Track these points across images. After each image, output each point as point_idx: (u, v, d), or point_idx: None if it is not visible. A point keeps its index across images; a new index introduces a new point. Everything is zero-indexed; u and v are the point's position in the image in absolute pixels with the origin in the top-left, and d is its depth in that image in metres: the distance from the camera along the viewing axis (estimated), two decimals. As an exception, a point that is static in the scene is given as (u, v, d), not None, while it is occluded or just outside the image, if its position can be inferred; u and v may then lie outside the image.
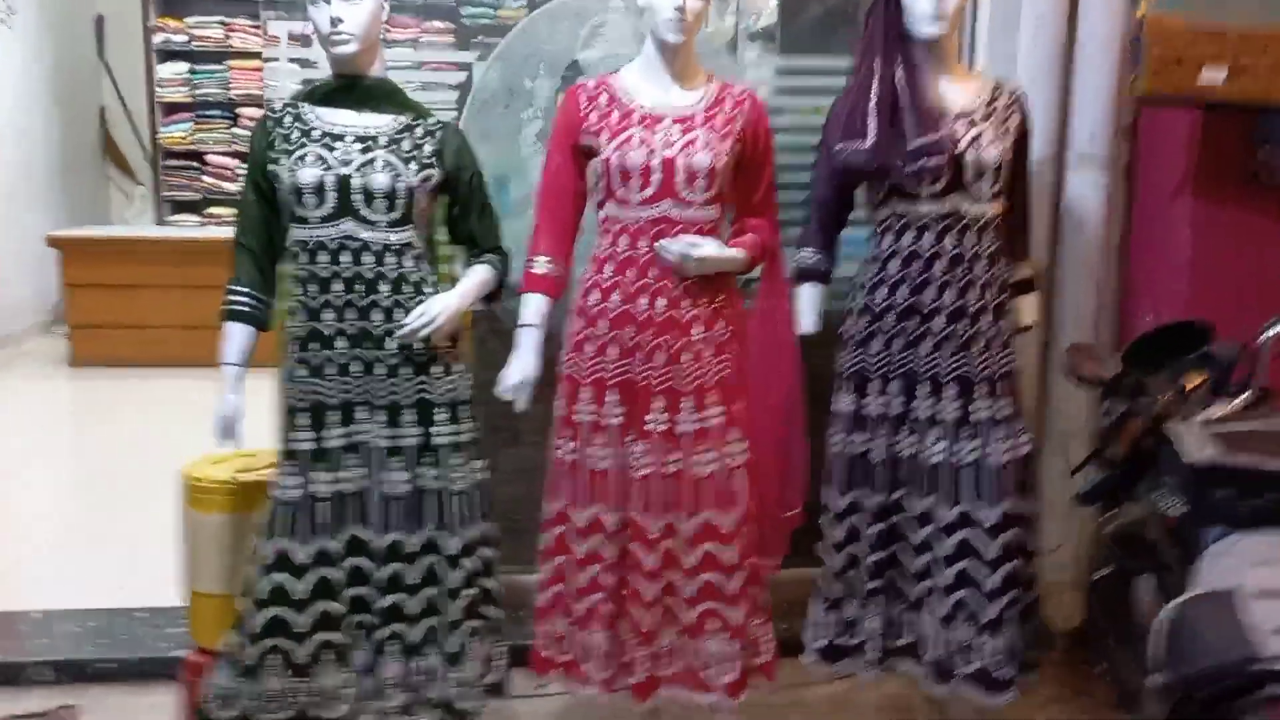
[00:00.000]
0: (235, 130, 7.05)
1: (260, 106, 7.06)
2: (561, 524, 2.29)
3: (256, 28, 7.02)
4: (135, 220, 7.80)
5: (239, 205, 2.25)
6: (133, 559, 3.37)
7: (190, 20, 6.93)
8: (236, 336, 2.19)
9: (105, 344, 6.04)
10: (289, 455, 2.15)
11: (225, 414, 2.17)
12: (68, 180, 7.39)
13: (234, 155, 7.09)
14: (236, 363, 2.18)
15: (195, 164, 7.12)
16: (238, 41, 6.93)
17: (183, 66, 6.98)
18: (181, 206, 7.20)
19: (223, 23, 6.94)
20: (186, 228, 6.97)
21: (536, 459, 2.38)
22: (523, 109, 3.05)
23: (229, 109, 7.06)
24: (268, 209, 2.19)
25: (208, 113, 7.05)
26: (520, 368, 2.26)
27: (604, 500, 2.24)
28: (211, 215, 7.16)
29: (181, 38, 6.93)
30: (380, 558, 2.15)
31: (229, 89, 7.00)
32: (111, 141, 8.01)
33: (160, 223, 7.11)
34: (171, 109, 7.05)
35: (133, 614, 2.95)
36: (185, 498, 2.41)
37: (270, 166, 2.15)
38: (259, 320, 2.20)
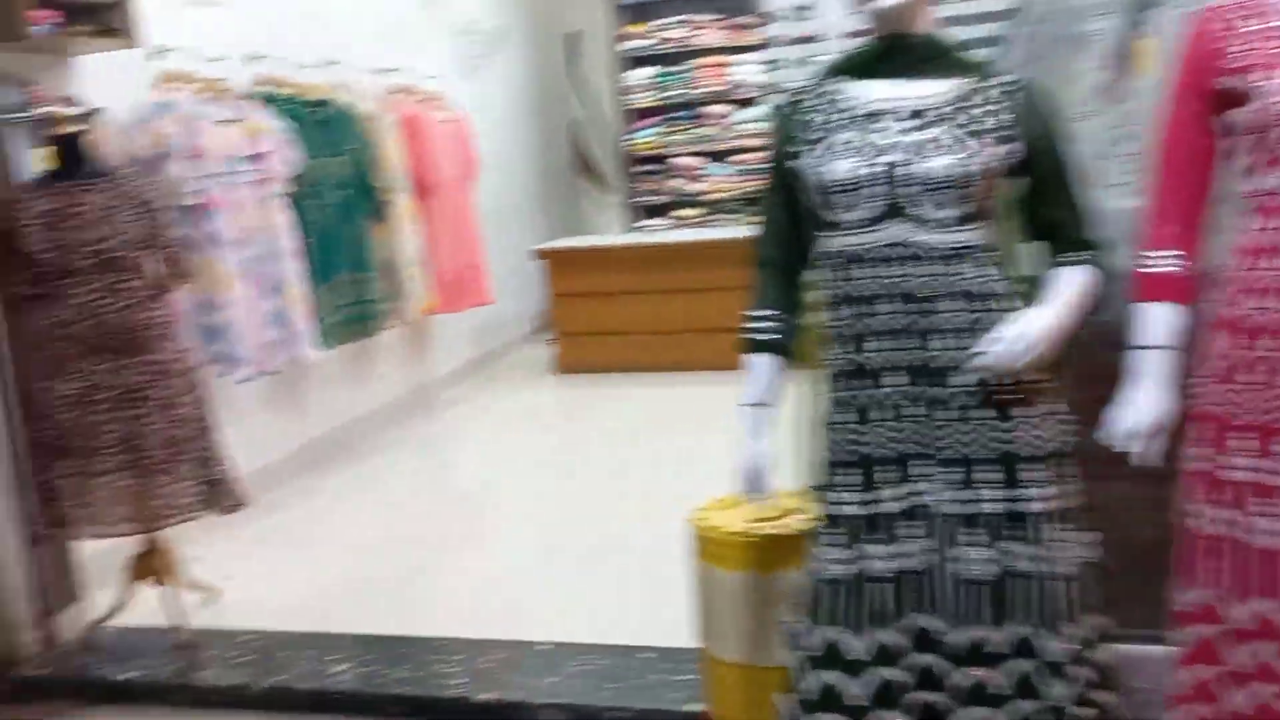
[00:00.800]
0: (700, 130, 6.98)
1: (725, 103, 6.93)
2: (1206, 623, 1.65)
3: (716, 22, 6.90)
4: (607, 229, 8.07)
5: (758, 211, 1.88)
6: (630, 585, 3.20)
7: (653, 24, 6.97)
8: (760, 371, 1.82)
9: (586, 351, 6.21)
10: (830, 521, 1.73)
11: (752, 465, 1.81)
12: (546, 194, 7.80)
13: (698, 155, 7.04)
14: (760, 402, 1.81)
15: (661, 167, 7.15)
16: (700, 39, 6.85)
17: (650, 71, 7.03)
18: (650, 211, 7.28)
19: (684, 21, 6.90)
20: (656, 232, 7.01)
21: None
22: (1077, 57, 2.42)
23: (692, 109, 7.01)
24: (792, 213, 1.79)
25: (675, 115, 7.05)
26: (1142, 407, 1.66)
27: (1276, 592, 1.58)
28: (679, 218, 7.16)
29: (648, 42, 6.98)
30: (957, 658, 1.66)
31: (693, 88, 6.94)
32: (582, 154, 8.36)
33: (629, 229, 7.23)
34: (638, 115, 7.14)
35: (637, 653, 2.72)
36: (696, 548, 2.08)
37: (790, 162, 1.75)
38: (785, 349, 1.81)
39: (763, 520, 1.98)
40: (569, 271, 6.27)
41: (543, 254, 6.35)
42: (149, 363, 2.88)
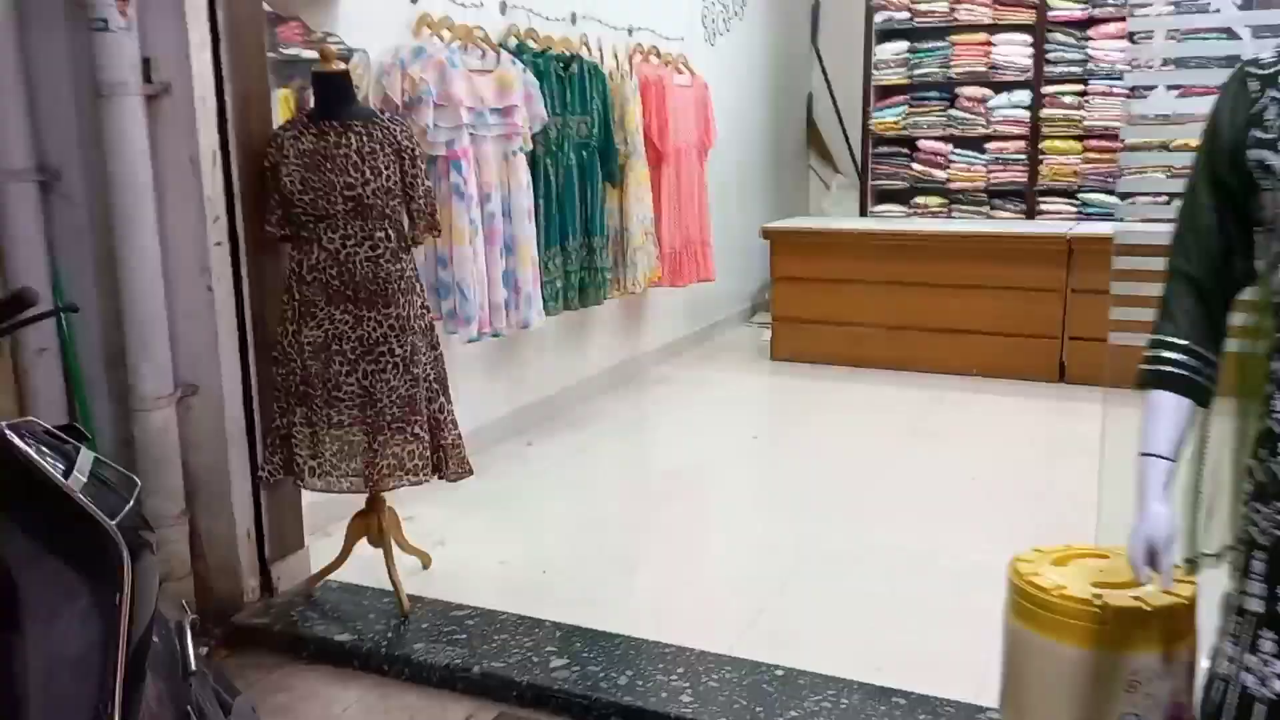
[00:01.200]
0: (952, 113, 6.49)
1: (982, 85, 6.41)
2: None
3: (984, -2, 6.37)
4: (832, 210, 7.68)
5: (1181, 212, 1.50)
6: (871, 612, 2.90)
7: (916, -4, 6.52)
8: (1166, 414, 1.46)
9: (805, 339, 5.90)
10: (1239, 614, 1.37)
11: (1152, 535, 1.46)
12: (778, 170, 7.48)
13: (946, 139, 6.56)
14: (1166, 455, 1.46)
15: (905, 150, 6.71)
16: (964, 14, 6.35)
17: (902, 45, 6.59)
18: (885, 196, 6.86)
19: (947, -5, 6.42)
20: (891, 219, 6.59)
21: None
22: None
23: (946, 89, 6.52)
24: (1226, 218, 1.42)
25: (924, 95, 6.58)
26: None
27: None
28: (918, 206, 6.71)
29: (903, 15, 6.53)
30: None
31: (949, 67, 6.46)
32: (815, 129, 7.99)
33: (865, 213, 6.83)
34: (885, 92, 6.71)
35: (891, 696, 2.43)
36: (1014, 606, 1.75)
37: (1256, 152, 1.37)
38: (1200, 391, 1.45)
39: (1113, 586, 1.63)
40: (795, 254, 5.95)
41: (768, 233, 6.05)
42: (391, 316, 2.77)
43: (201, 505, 2.90)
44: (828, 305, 5.84)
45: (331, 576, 3.05)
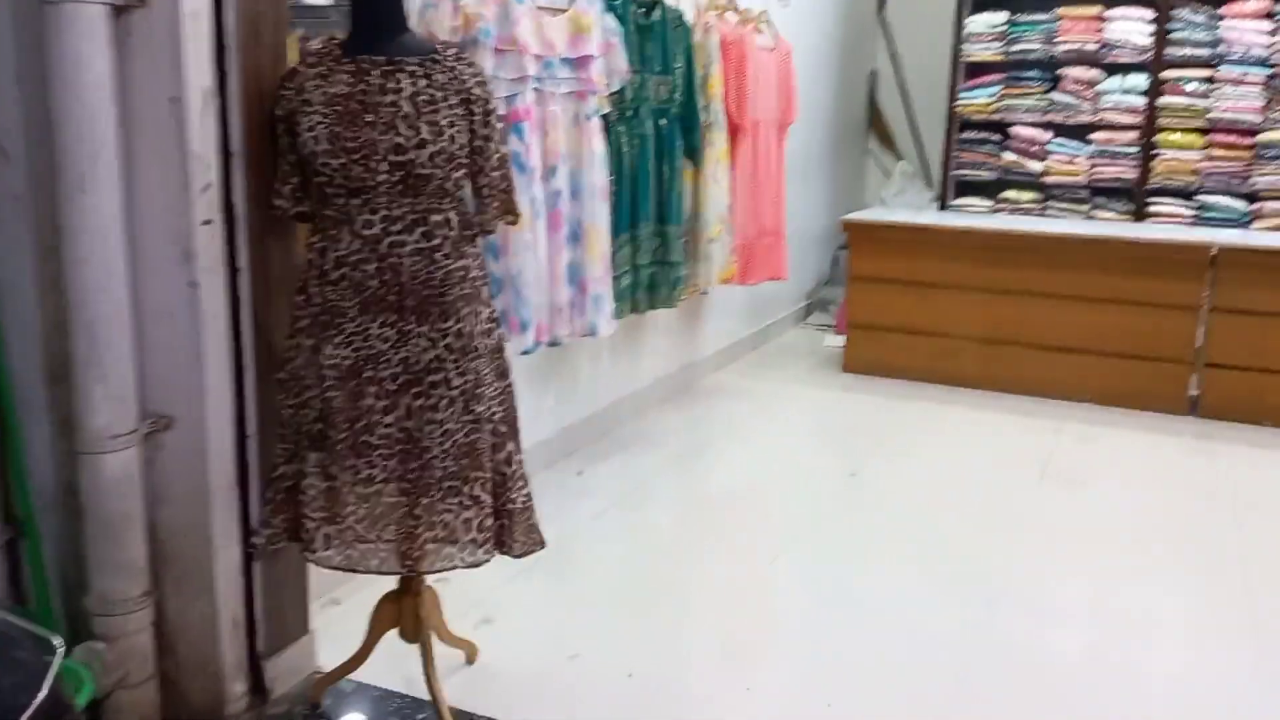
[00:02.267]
0: (1054, 96, 5.71)
1: (1091, 66, 5.63)
2: None
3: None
4: (895, 201, 6.90)
5: None
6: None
7: (1012, -38, 5.72)
8: None
9: (885, 350, 5.13)
10: None
11: None
12: (836, 154, 6.69)
13: (1045, 126, 5.78)
14: None
15: (995, 137, 5.93)
16: (1078, -17, 5.56)
17: (999, 17, 5.79)
18: (966, 188, 6.08)
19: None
20: (973, 215, 5.81)
21: None
22: None
23: (1049, 69, 5.73)
24: None
25: (1022, 74, 5.79)
26: None
27: None
28: (1006, 201, 5.93)
29: (1004, -18, 5.74)
30: None
31: (1053, 43, 5.66)
32: (878, 110, 7.20)
33: (944, 207, 6.05)
34: (975, 70, 5.92)
35: None
36: None
37: None
38: None
39: None
40: (876, 251, 5.16)
41: (847, 226, 5.27)
42: (449, 333, 1.98)
43: (172, 582, 2.12)
44: (913, 312, 5.07)
45: (353, 676, 2.27)
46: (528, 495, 2.16)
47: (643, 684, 2.40)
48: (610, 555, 3.09)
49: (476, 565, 2.08)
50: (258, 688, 2.22)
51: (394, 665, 2.29)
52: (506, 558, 2.16)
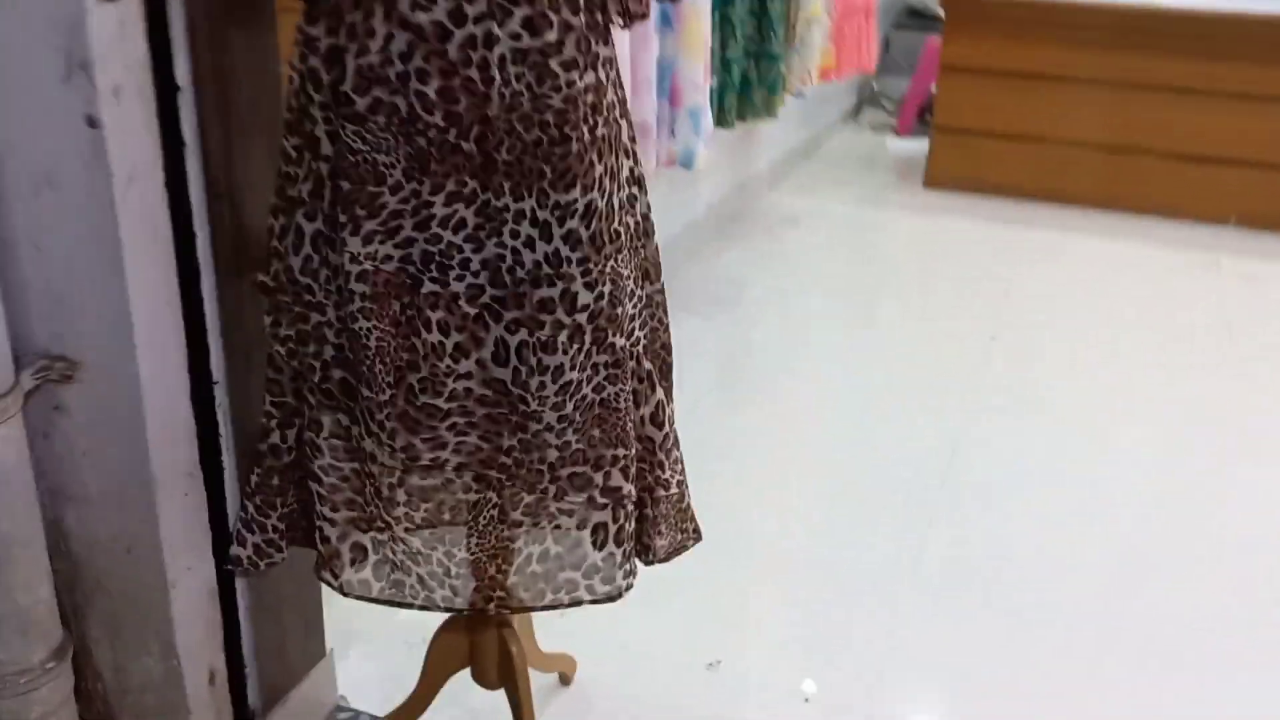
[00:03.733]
0: None
1: None
2: None
3: None
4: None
5: None
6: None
7: None
8: None
9: (980, 160, 4.28)
10: None
11: None
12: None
13: None
14: None
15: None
16: None
17: None
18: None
19: None
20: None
21: None
22: None
23: None
24: None
25: None
26: None
27: None
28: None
29: None
30: None
31: None
32: None
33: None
34: None
35: None
36: None
37: None
38: None
39: None
40: (976, 33, 4.22)
41: (944, 2, 4.29)
42: (573, 211, 1.11)
43: (101, 628, 1.32)
44: (1019, 113, 4.19)
45: (387, 722, 1.53)
46: (681, 470, 1.36)
47: (824, 708, 1.68)
48: (726, 489, 2.33)
49: (613, 598, 1.30)
50: (253, 755, 1.47)
51: (453, 699, 1.55)
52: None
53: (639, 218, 1.23)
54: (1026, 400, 2.70)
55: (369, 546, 1.28)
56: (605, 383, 1.19)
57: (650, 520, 1.33)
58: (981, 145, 4.28)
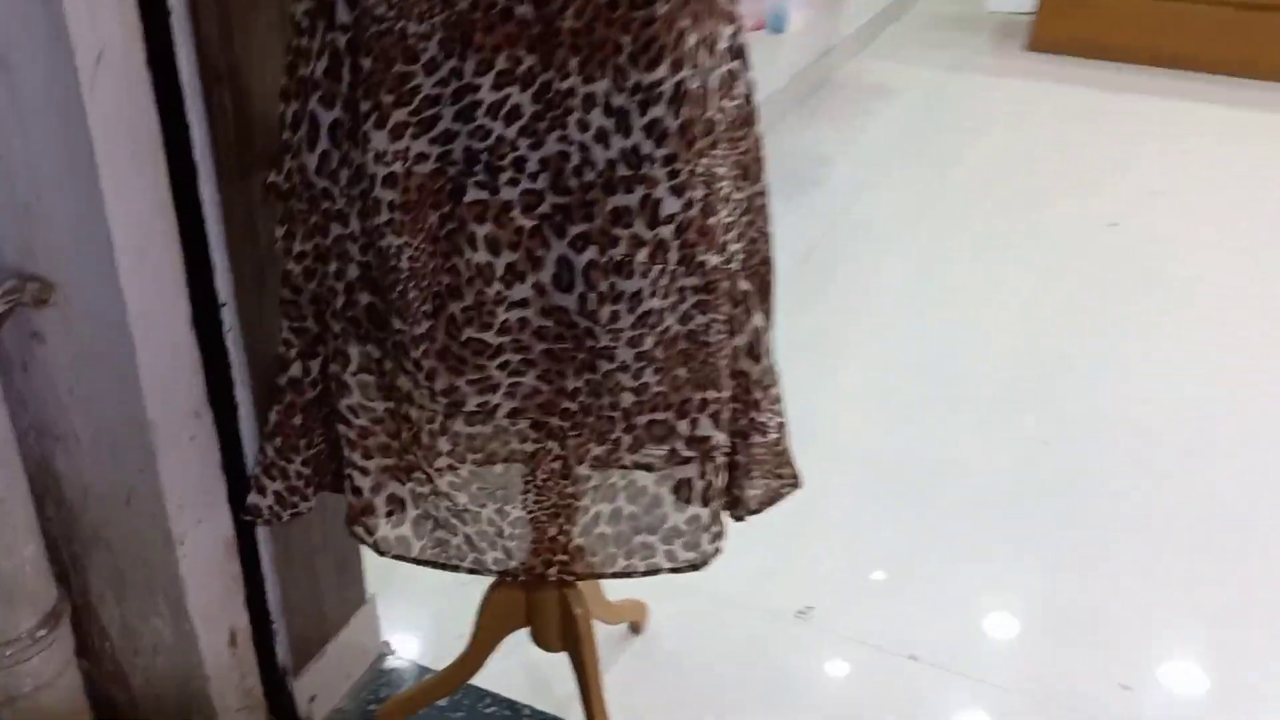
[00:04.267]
0: None
1: None
2: None
3: None
4: None
5: None
6: None
7: None
8: None
9: (1092, 20, 3.87)
10: None
11: None
12: None
13: None
14: None
15: None
16: None
17: None
18: None
19: None
20: None
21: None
22: None
23: None
24: None
25: None
26: None
27: None
28: None
29: None
30: None
31: None
32: None
33: None
34: None
35: None
36: None
37: None
38: None
39: None
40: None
41: None
42: (659, 94, 0.87)
43: (104, 585, 1.15)
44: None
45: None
46: (781, 409, 1.13)
47: (933, 667, 1.49)
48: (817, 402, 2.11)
49: (697, 567, 1.10)
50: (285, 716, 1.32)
51: (509, 671, 1.38)
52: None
53: (740, 99, 0.98)
54: (1149, 292, 2.42)
55: (407, 499, 1.09)
56: (694, 311, 0.97)
57: (742, 468, 1.12)
58: (1091, 2, 3.87)
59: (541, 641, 1.27)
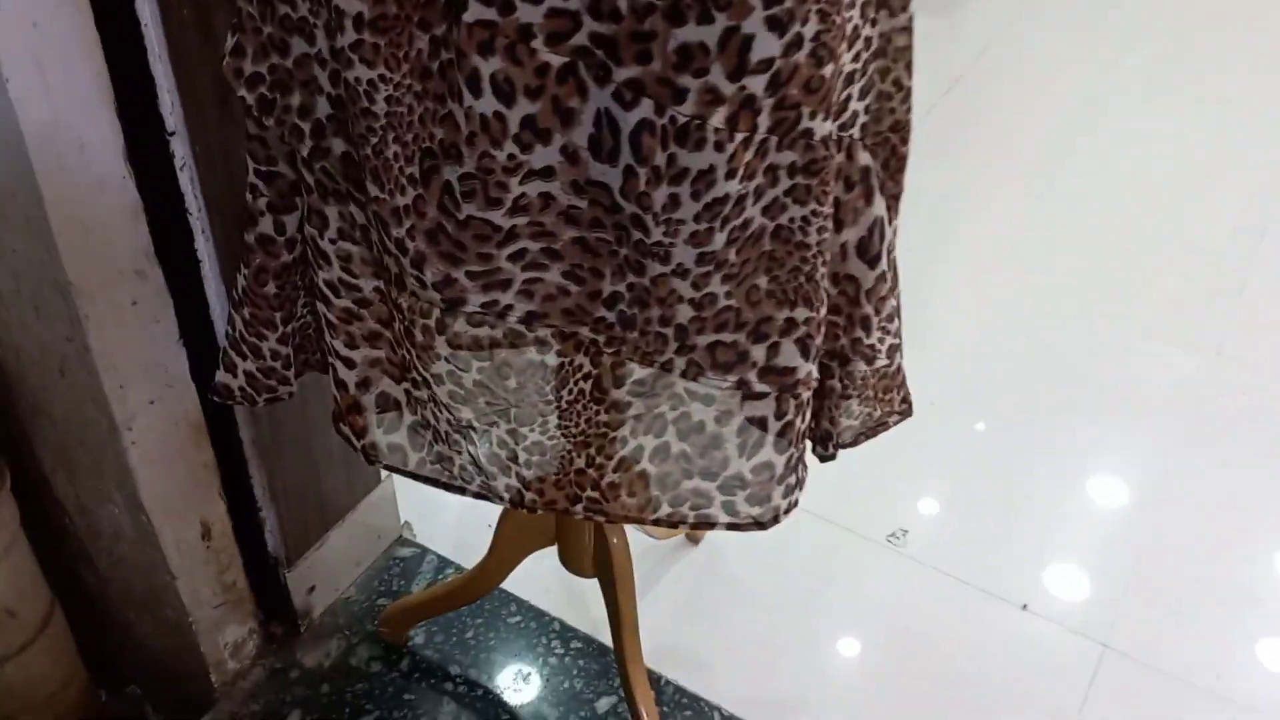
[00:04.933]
0: None
1: None
2: None
3: None
4: None
5: None
6: None
7: None
8: None
9: None
10: None
11: None
12: None
13: None
14: None
15: None
16: None
17: None
18: None
19: None
20: None
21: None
22: None
23: None
24: None
25: None
26: None
27: None
28: None
29: None
30: None
31: None
32: None
33: None
34: None
35: None
36: None
37: None
38: None
39: None
40: None
41: None
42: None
43: (51, 454, 0.96)
44: None
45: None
46: (896, 329, 0.85)
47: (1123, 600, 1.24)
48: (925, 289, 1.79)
49: (763, 525, 0.84)
50: (287, 618, 1.14)
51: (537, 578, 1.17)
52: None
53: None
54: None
55: (402, 401, 0.86)
56: (787, 199, 0.68)
57: (835, 396, 0.85)
58: None
59: (571, 565, 1.05)
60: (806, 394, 0.78)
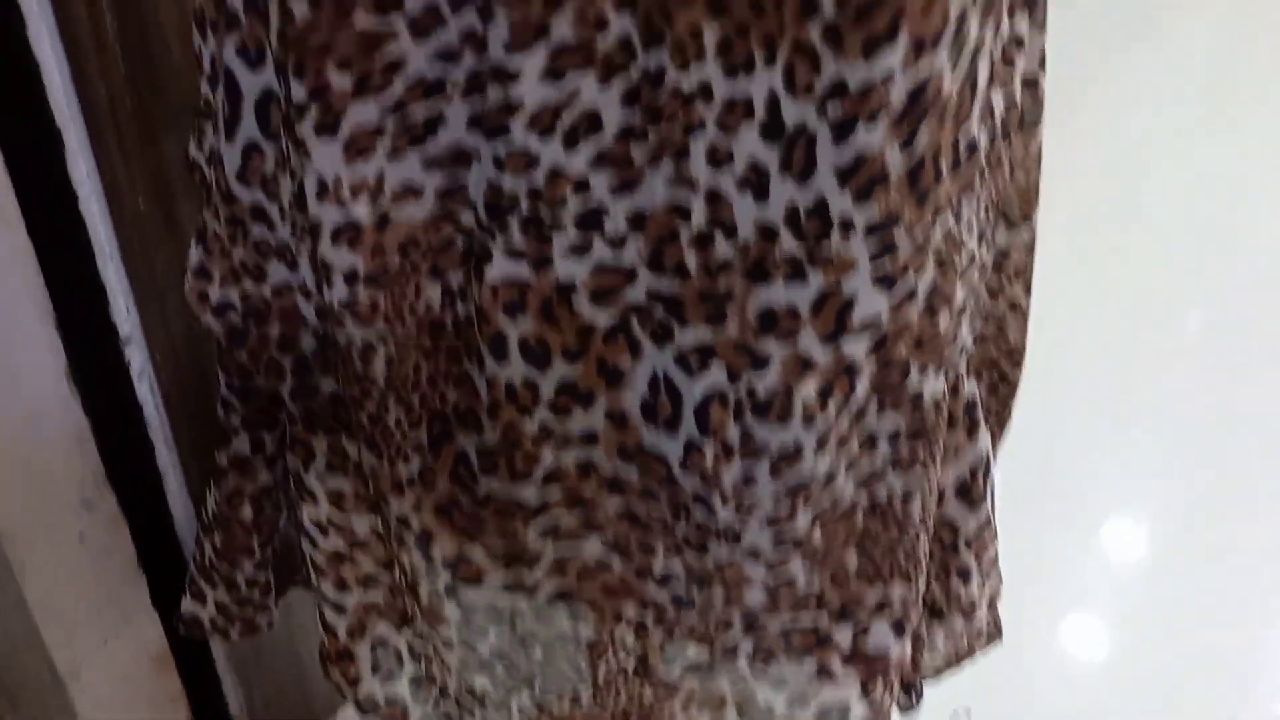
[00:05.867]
0: None
1: None
2: None
3: None
4: None
5: None
6: None
7: None
8: None
9: None
10: None
11: None
12: None
13: None
14: None
15: None
16: None
17: None
18: None
19: None
20: None
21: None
22: None
23: None
24: None
25: None
26: None
27: None
28: None
29: None
30: None
31: None
32: None
33: None
34: None
35: None
36: None
37: None
38: None
39: None
40: None
41: None
42: (861, 97, 0.42)
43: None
44: None
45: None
46: (996, 571, 0.71)
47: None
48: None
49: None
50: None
51: None
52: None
53: (1017, 87, 0.53)
54: None
55: (403, 651, 0.72)
56: (888, 468, 0.55)
57: (922, 648, 0.72)
58: None
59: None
60: (897, 677, 0.64)
